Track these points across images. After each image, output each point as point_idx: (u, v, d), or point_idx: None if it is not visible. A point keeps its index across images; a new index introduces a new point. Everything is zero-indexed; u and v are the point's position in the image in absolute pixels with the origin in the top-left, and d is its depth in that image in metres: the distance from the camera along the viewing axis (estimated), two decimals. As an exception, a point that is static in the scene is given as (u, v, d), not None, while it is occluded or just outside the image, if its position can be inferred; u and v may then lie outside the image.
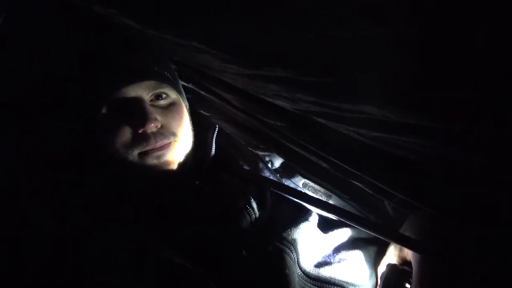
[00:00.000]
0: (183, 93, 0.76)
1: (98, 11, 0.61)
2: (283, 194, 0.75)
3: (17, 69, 0.76)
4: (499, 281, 0.51)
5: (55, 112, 0.69)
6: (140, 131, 0.63)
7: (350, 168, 0.56)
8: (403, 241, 0.60)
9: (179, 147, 0.68)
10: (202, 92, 0.78)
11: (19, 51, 0.77)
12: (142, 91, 0.65)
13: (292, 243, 0.68)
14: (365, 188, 0.61)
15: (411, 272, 0.60)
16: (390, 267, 0.66)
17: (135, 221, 0.60)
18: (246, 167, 0.83)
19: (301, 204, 0.75)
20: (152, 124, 0.63)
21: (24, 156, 0.66)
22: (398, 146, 0.46)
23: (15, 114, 0.71)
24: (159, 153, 0.65)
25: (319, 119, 0.51)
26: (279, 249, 0.65)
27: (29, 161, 0.65)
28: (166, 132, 0.66)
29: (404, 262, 0.65)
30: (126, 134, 0.63)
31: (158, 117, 0.65)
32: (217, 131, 0.80)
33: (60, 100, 0.69)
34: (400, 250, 0.65)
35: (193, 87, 0.79)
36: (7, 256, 0.49)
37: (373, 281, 0.70)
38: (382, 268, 0.68)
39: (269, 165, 0.81)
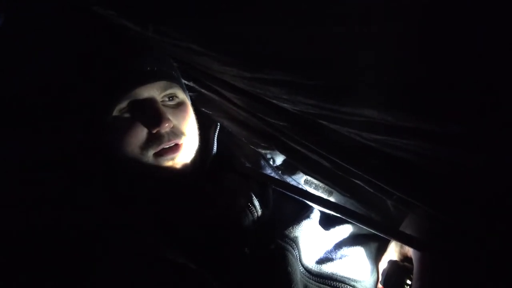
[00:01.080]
0: (187, 91, 0.76)
1: (97, 12, 0.61)
2: (285, 191, 0.75)
3: (21, 69, 0.76)
4: (498, 278, 0.52)
5: (61, 113, 0.69)
6: (154, 131, 0.64)
7: (351, 168, 0.56)
8: (403, 239, 0.61)
9: (189, 146, 0.70)
10: (203, 90, 0.78)
11: (23, 51, 0.77)
12: (155, 92, 0.66)
13: (294, 241, 0.68)
14: (365, 187, 0.61)
15: (412, 269, 0.61)
16: (391, 263, 0.67)
17: (137, 221, 0.61)
18: (248, 165, 0.83)
19: (302, 201, 0.76)
20: (166, 124, 0.64)
21: (28, 156, 0.66)
22: (399, 147, 0.46)
23: (20, 114, 0.71)
24: (173, 155, 0.66)
25: (320, 121, 0.51)
26: (281, 247, 0.66)
27: (34, 160, 0.65)
28: (177, 132, 0.67)
29: (405, 258, 0.66)
30: (140, 134, 0.64)
31: (170, 117, 0.66)
32: (219, 129, 0.80)
33: (67, 101, 0.69)
34: (401, 247, 0.66)
35: (194, 85, 0.79)
36: (10, 254, 0.50)
37: (374, 277, 0.70)
38: (383, 264, 0.69)
39: (271, 162, 0.81)
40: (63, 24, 0.73)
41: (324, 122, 0.51)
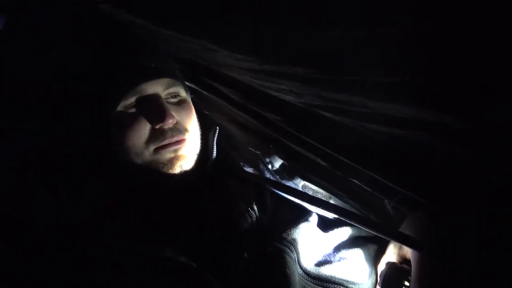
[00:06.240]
0: (189, 92, 0.77)
1: (104, 9, 0.62)
2: (283, 194, 0.75)
3: (24, 68, 0.76)
4: (497, 280, 0.52)
5: (67, 110, 0.69)
6: (158, 126, 0.64)
7: (352, 163, 0.57)
8: (402, 239, 0.61)
9: (191, 142, 0.70)
10: (204, 92, 0.78)
11: (25, 51, 0.76)
12: (159, 88, 0.67)
13: (292, 243, 0.68)
14: (364, 187, 0.62)
15: (410, 270, 0.61)
16: (390, 265, 0.67)
17: (138, 221, 0.61)
18: (246, 169, 0.83)
19: (301, 205, 0.76)
20: (170, 120, 0.65)
21: (30, 154, 0.66)
22: (404, 140, 0.47)
23: (22, 112, 0.71)
24: (175, 147, 0.66)
25: (325, 113, 0.52)
26: (279, 250, 0.66)
27: (36, 158, 0.65)
28: (181, 128, 0.68)
29: (404, 260, 0.66)
30: (143, 129, 0.64)
31: (174, 114, 0.66)
32: (217, 133, 0.81)
33: (70, 99, 0.69)
34: (400, 249, 0.66)
35: (195, 86, 0.80)
36: (9, 253, 0.49)
37: (373, 279, 0.70)
38: (381, 266, 0.69)
39: (269, 166, 0.82)
40: (67, 22, 0.74)
41: (329, 114, 0.52)
